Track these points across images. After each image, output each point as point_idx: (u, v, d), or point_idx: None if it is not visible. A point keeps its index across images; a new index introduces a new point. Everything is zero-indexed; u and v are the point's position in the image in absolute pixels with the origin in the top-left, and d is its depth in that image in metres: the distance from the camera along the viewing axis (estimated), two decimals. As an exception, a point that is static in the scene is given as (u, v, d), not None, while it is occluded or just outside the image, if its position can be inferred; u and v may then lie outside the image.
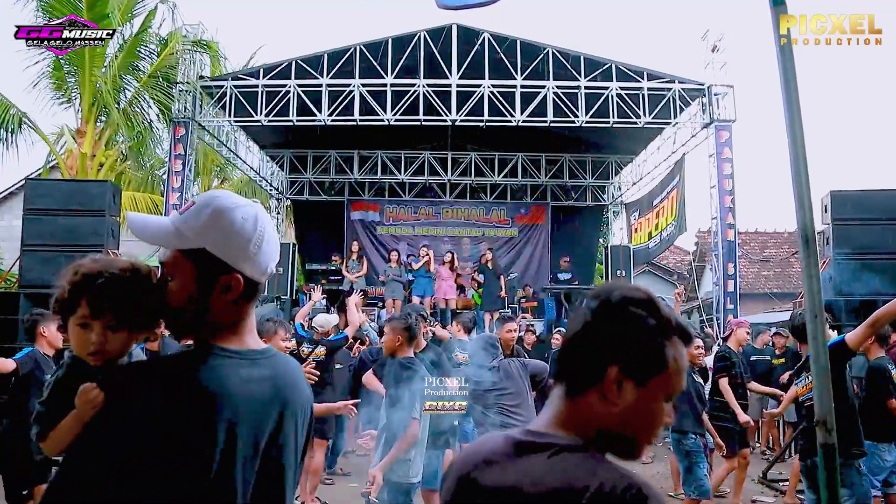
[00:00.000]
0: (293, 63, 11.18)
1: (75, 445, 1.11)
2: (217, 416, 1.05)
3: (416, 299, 11.39)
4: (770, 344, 8.76)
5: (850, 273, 6.60)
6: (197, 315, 1.16)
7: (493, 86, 11.04)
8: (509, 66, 11.02)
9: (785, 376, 7.56)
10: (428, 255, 11.89)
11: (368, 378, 4.80)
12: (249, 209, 1.19)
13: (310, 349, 6.03)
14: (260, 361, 1.17)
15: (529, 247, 15.75)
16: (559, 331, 9.19)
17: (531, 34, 21.94)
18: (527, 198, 15.86)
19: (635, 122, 11.30)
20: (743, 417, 5.63)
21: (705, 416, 5.32)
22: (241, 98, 11.40)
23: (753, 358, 8.38)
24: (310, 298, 13.00)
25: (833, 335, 4.42)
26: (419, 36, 11.03)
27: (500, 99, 11.03)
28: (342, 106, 11.07)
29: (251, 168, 14.43)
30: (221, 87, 11.39)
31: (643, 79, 11.25)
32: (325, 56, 11.08)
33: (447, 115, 11.16)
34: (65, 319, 1.36)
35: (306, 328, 6.15)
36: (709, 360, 9.21)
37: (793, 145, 1.88)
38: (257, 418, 1.12)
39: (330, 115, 11.10)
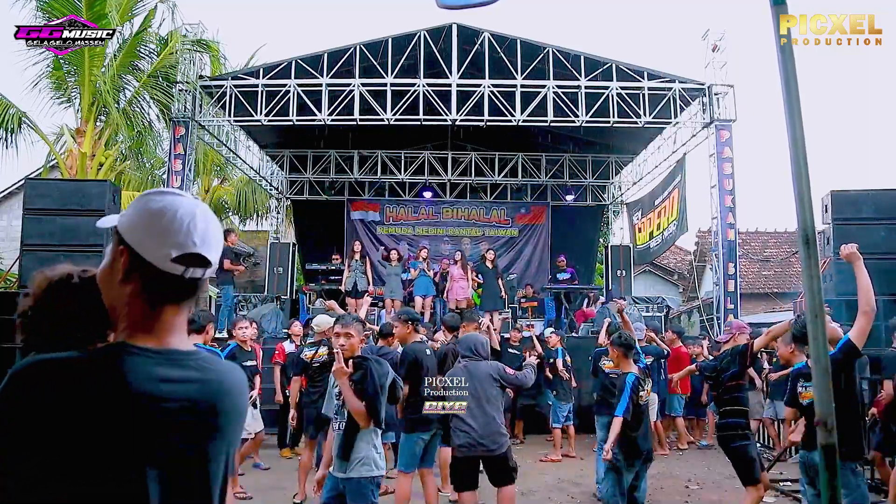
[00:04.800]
0: (293, 63, 11.17)
1: None
2: (122, 415, 0.98)
3: (418, 299, 11.38)
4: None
5: (850, 273, 6.59)
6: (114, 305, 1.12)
7: (494, 85, 11.04)
8: (509, 65, 11.02)
9: (774, 375, 7.58)
10: (426, 256, 11.89)
11: None
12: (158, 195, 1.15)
13: (312, 351, 5.99)
14: (184, 363, 1.09)
15: (529, 247, 15.76)
16: (553, 332, 9.21)
17: (531, 34, 21.94)
18: (527, 198, 15.87)
19: (635, 122, 11.30)
20: None
21: None
22: (241, 98, 11.39)
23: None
24: (310, 302, 13.06)
25: None
26: (419, 36, 11.02)
27: (500, 99, 11.03)
28: (342, 106, 11.06)
29: (251, 168, 14.44)
30: (221, 86, 11.39)
31: (643, 78, 11.24)
32: (325, 56, 11.08)
33: (447, 115, 11.16)
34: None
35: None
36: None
37: (793, 145, 1.88)
38: (174, 420, 1.04)
39: (330, 114, 11.10)
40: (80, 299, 1.42)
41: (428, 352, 5.20)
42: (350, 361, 3.59)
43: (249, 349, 6.29)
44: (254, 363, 6.28)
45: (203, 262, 1.11)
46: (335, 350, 3.65)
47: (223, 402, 1.12)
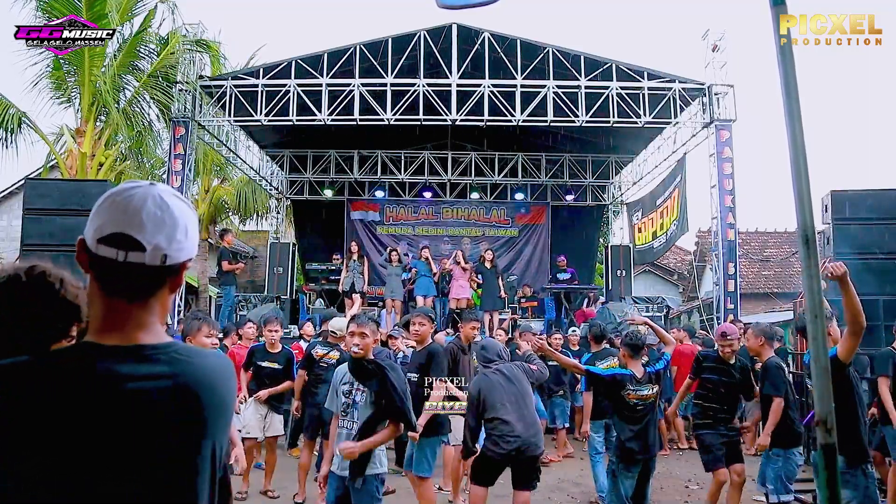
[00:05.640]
0: (293, 63, 11.18)
1: None
2: (83, 418, 0.95)
3: (419, 299, 11.38)
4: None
5: (849, 273, 6.59)
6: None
7: (493, 85, 11.04)
8: (509, 65, 11.02)
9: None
10: (427, 256, 11.89)
11: None
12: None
13: (325, 351, 5.97)
14: (154, 357, 1.03)
15: (529, 246, 15.77)
16: (573, 330, 9.22)
17: (531, 34, 21.96)
18: (527, 198, 15.87)
19: (635, 122, 11.30)
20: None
21: None
22: (240, 98, 11.40)
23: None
24: (310, 302, 13.06)
25: None
26: (419, 36, 11.03)
27: (500, 99, 11.03)
28: (342, 106, 11.07)
29: (251, 168, 14.45)
30: (221, 86, 11.40)
31: (643, 78, 11.24)
32: (325, 56, 11.08)
33: (447, 115, 11.16)
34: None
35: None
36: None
37: (793, 145, 1.88)
38: (141, 419, 0.99)
39: (330, 114, 11.10)
40: (32, 298, 1.38)
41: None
42: (362, 367, 3.58)
43: (278, 350, 6.05)
44: (277, 367, 6.00)
45: (133, 243, 1.03)
46: (338, 441, 3.55)
47: (202, 394, 1.06)
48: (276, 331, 6.05)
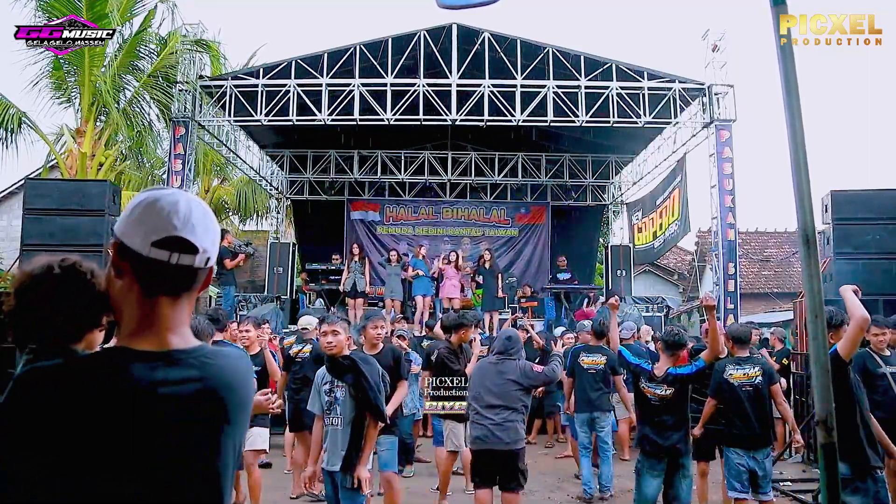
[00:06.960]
0: (293, 63, 11.17)
1: None
2: (119, 422, 0.97)
3: (418, 299, 11.39)
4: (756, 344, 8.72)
5: (850, 273, 6.59)
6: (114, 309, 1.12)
7: (493, 85, 11.03)
8: (509, 65, 11.01)
9: None
10: (424, 254, 11.93)
11: None
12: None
13: (299, 347, 6.23)
14: (186, 361, 1.07)
15: (529, 246, 15.75)
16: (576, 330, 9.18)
17: (531, 34, 21.95)
18: (527, 197, 15.86)
19: (635, 122, 11.29)
20: None
21: None
22: (240, 98, 11.38)
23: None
24: (310, 302, 13.06)
25: None
26: (419, 35, 11.02)
27: (500, 99, 11.02)
28: (342, 106, 11.06)
29: (251, 168, 14.44)
30: (221, 86, 11.38)
31: (643, 78, 11.23)
32: (325, 56, 11.07)
33: (447, 115, 11.15)
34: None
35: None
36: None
37: (793, 145, 1.88)
38: (175, 422, 1.03)
39: (330, 114, 11.09)
40: (64, 289, 1.42)
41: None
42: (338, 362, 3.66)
43: (255, 352, 5.58)
44: (256, 368, 5.88)
45: (187, 246, 1.07)
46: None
47: (227, 395, 1.11)
48: (247, 330, 5.57)
